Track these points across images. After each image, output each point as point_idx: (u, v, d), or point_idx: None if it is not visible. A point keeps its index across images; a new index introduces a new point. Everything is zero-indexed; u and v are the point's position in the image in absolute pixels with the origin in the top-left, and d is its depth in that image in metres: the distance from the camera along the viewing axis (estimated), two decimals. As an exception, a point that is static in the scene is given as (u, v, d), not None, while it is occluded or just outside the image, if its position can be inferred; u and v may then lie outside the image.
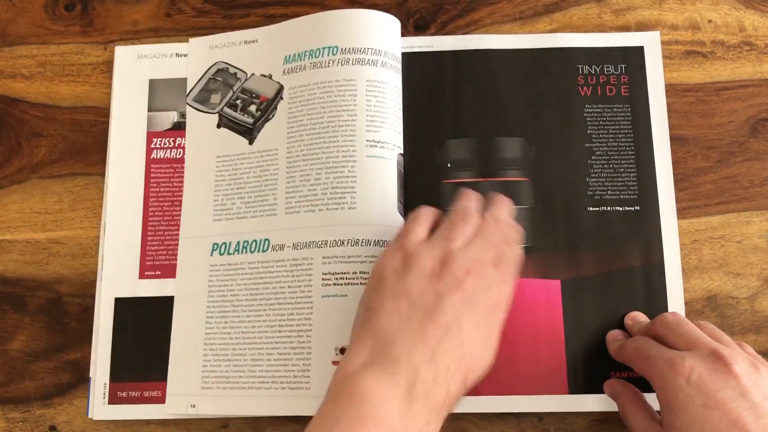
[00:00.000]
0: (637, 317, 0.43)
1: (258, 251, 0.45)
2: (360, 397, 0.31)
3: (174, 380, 0.44)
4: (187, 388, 0.44)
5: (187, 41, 0.50)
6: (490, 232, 0.37)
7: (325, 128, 0.46)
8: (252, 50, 0.50)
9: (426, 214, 0.39)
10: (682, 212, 0.46)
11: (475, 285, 0.35)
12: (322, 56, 0.47)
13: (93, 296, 0.46)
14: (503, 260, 0.37)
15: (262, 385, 0.43)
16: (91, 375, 0.44)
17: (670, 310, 0.44)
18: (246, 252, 0.45)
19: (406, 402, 0.31)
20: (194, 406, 0.43)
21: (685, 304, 0.45)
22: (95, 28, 0.52)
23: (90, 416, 0.44)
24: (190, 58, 0.50)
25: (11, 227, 0.48)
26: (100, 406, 0.44)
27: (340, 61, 0.47)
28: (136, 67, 0.50)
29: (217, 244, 0.46)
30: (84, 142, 0.49)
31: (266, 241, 0.45)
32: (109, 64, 0.50)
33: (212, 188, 0.47)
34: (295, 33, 0.49)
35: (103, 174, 0.48)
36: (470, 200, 0.40)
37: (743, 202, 0.47)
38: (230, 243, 0.46)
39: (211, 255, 0.46)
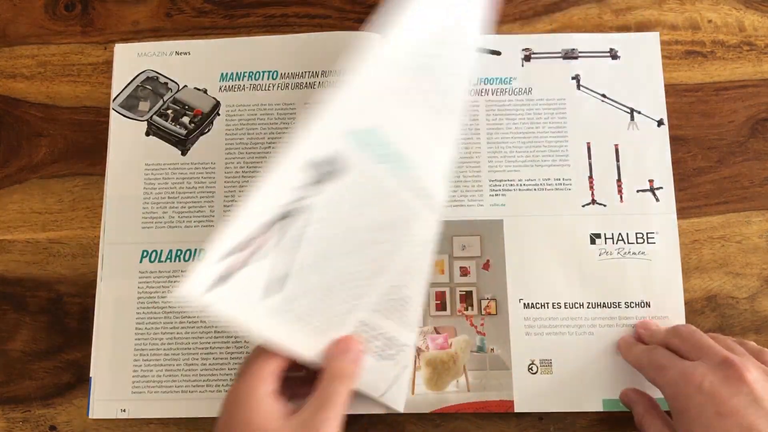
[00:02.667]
0: (649, 325, 0.43)
1: (191, 260, 0.46)
2: None
3: (101, 386, 0.44)
4: (116, 393, 0.44)
5: (187, 41, 0.51)
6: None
7: (266, 148, 0.47)
8: (184, 62, 0.50)
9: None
10: (682, 212, 0.46)
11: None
12: (262, 79, 0.49)
13: (93, 296, 0.46)
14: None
15: (196, 388, 0.44)
16: (91, 375, 0.44)
17: (670, 309, 0.44)
18: (179, 260, 0.46)
19: None
20: (125, 411, 0.44)
21: (685, 304, 0.45)
22: (95, 28, 0.52)
23: (90, 416, 0.44)
24: (117, 64, 0.50)
25: (11, 227, 0.48)
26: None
27: (279, 85, 0.48)
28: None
29: (147, 251, 0.46)
30: (84, 142, 0.49)
31: (199, 251, 0.46)
32: (109, 64, 0.50)
33: (141, 196, 0.47)
34: (232, 52, 0.49)
35: (103, 174, 0.48)
36: None
37: (743, 202, 0.47)
38: (161, 251, 0.46)
39: (141, 262, 0.46)
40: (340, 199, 0.35)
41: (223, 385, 0.44)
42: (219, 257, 0.32)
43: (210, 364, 0.44)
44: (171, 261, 0.46)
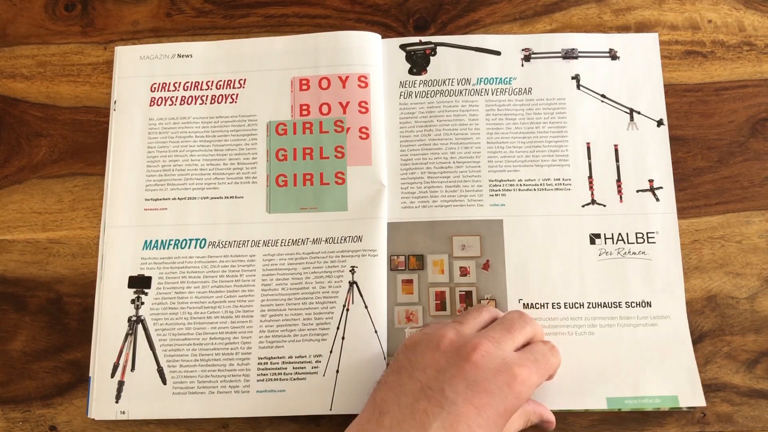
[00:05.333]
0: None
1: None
2: None
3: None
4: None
5: (188, 41, 0.51)
6: (515, 322, 0.38)
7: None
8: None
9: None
10: (682, 212, 0.46)
11: (482, 363, 0.35)
12: None
13: (93, 296, 0.46)
14: (529, 349, 0.38)
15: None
16: (91, 375, 0.44)
17: (671, 309, 0.44)
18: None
19: None
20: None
21: (685, 304, 0.45)
22: (95, 28, 0.52)
23: (90, 416, 0.44)
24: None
25: (11, 227, 0.48)
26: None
27: None
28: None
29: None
30: (84, 142, 0.49)
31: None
32: (109, 64, 0.50)
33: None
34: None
35: (103, 174, 0.48)
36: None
37: (743, 202, 0.47)
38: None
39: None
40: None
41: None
42: (109, 376, 0.43)
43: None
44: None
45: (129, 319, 0.45)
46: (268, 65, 0.50)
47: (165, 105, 0.49)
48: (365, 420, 0.34)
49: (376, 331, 0.44)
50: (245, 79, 0.50)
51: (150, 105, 0.49)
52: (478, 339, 0.36)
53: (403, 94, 0.49)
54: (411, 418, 0.33)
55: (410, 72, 0.50)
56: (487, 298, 0.45)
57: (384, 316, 0.44)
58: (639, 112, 0.48)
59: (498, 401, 0.34)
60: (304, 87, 0.49)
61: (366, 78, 0.49)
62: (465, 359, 0.35)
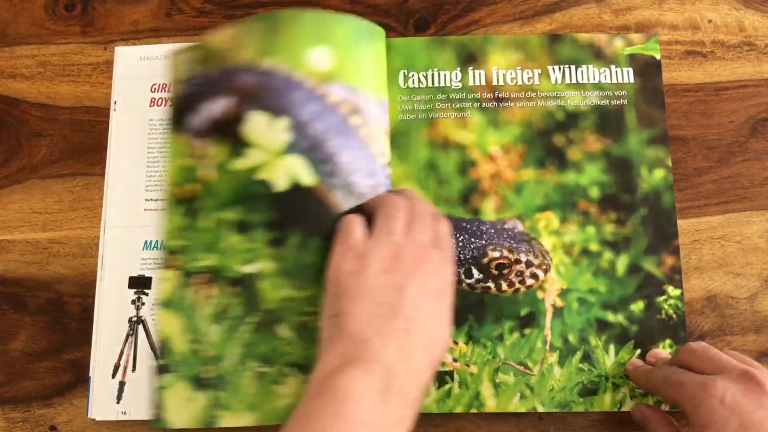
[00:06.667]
0: (659, 354, 0.43)
1: None
2: (339, 395, 0.31)
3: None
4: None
5: (187, 41, 0.50)
6: (421, 215, 0.38)
7: None
8: None
9: (357, 215, 0.40)
10: (682, 212, 0.46)
11: (426, 271, 0.36)
12: None
13: (93, 296, 0.46)
14: (440, 239, 0.38)
15: None
16: (90, 375, 0.44)
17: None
18: None
19: (383, 398, 0.32)
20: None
21: (685, 304, 0.45)
22: (95, 28, 0.52)
23: (90, 416, 0.44)
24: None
25: (11, 227, 0.48)
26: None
27: None
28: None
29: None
30: (84, 142, 0.49)
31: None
32: (109, 64, 0.50)
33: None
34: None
35: (103, 174, 0.48)
36: (392, 193, 0.41)
37: (743, 202, 0.47)
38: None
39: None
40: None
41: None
42: (110, 377, 0.43)
43: None
44: None
45: (130, 320, 0.45)
46: None
47: (165, 105, 0.49)
48: (343, 353, 0.34)
49: None
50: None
51: (150, 105, 0.49)
52: (412, 249, 0.37)
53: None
54: (392, 339, 0.34)
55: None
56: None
57: None
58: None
59: (445, 299, 0.37)
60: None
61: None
62: (411, 273, 0.36)
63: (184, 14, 0.52)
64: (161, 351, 0.41)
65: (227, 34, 0.43)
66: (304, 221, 0.40)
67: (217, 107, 0.42)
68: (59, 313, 0.46)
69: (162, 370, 0.40)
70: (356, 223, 0.38)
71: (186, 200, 0.42)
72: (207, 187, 0.42)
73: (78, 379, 0.45)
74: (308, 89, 0.42)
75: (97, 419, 0.44)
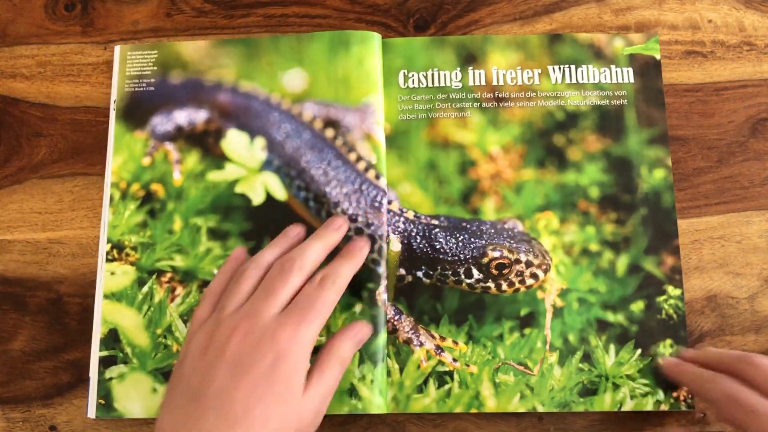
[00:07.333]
0: (710, 353, 0.41)
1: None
2: None
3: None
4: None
5: (188, 42, 0.50)
6: (278, 275, 0.35)
7: None
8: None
9: (209, 289, 0.39)
10: (682, 212, 0.46)
11: (242, 346, 0.33)
12: None
13: (93, 296, 0.46)
14: (302, 299, 0.35)
15: None
16: (90, 375, 0.44)
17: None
18: None
19: None
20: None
21: (686, 304, 0.45)
22: (95, 28, 0.52)
23: (90, 416, 0.44)
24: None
25: (11, 227, 0.48)
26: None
27: None
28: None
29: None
30: (84, 142, 0.49)
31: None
32: (109, 64, 0.50)
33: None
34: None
35: (103, 174, 0.48)
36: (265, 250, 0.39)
37: (743, 202, 0.47)
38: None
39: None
40: None
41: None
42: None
43: None
44: None
45: (129, 319, 0.45)
46: None
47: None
48: None
49: None
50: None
51: (150, 105, 0.50)
52: (232, 323, 0.34)
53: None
54: (183, 429, 0.31)
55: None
56: None
57: None
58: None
59: (282, 375, 0.32)
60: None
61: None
62: (221, 352, 0.33)
63: (184, 14, 0.52)
64: (107, 342, 0.43)
65: (200, 48, 0.48)
66: (277, 232, 0.42)
67: (193, 117, 0.46)
68: (59, 313, 0.46)
69: (110, 361, 0.43)
70: (203, 301, 0.38)
71: (140, 198, 0.46)
72: (173, 191, 0.45)
73: (78, 379, 0.45)
74: (284, 110, 0.46)
75: (96, 419, 0.44)
